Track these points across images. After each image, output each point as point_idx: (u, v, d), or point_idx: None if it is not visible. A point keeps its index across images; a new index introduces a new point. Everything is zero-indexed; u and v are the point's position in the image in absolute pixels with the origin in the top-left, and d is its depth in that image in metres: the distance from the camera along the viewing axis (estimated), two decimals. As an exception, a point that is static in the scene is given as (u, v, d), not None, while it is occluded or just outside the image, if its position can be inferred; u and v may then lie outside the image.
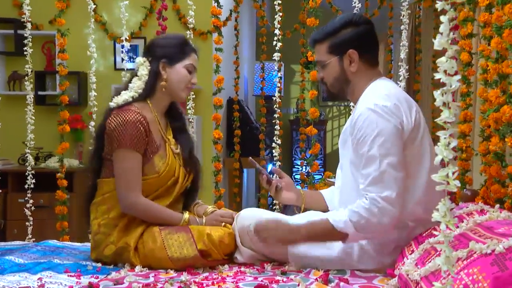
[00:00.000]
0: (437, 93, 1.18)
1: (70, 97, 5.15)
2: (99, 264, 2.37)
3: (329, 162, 8.77)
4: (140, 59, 2.48)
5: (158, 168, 2.40)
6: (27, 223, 3.33)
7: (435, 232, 1.97)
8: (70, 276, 2.16)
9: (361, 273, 2.16)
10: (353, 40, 2.25)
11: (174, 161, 2.47)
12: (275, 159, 3.25)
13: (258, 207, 5.40)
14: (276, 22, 3.14)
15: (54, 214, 4.37)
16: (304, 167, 8.44)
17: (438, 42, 1.17)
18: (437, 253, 1.76)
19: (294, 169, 8.76)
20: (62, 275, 2.18)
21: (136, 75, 2.47)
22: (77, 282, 2.09)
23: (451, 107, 1.18)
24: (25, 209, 3.31)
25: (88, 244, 2.78)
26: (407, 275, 1.82)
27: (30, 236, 3.30)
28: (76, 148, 5.11)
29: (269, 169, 6.24)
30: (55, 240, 2.85)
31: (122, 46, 5.10)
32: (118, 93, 2.47)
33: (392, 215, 2.06)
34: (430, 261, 1.72)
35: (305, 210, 2.54)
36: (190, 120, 3.43)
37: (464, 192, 2.64)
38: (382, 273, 2.18)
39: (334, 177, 3.71)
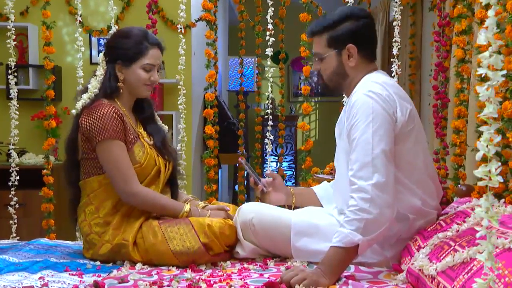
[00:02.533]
0: (481, 89, 1.18)
1: (44, 92, 5.06)
2: (98, 263, 2.33)
3: (300, 158, 8.77)
4: (101, 56, 2.45)
5: (139, 158, 2.38)
6: (10, 221, 3.23)
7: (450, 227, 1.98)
8: (72, 274, 2.12)
9: (365, 268, 2.16)
10: (352, 34, 2.22)
11: (151, 151, 2.44)
12: (267, 155, 3.24)
13: (237, 203, 5.38)
14: (268, 17, 3.11)
15: (29, 212, 4.28)
16: (278, 163, 8.46)
17: (484, 37, 1.16)
18: (452, 248, 1.77)
19: (265, 165, 8.74)
20: (63, 274, 2.13)
21: (95, 75, 2.44)
22: (80, 281, 2.05)
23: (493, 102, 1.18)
24: (9, 207, 3.21)
25: (80, 243, 2.73)
26: (420, 270, 1.82)
27: (14, 235, 3.20)
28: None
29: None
30: (46, 239, 2.78)
31: (98, 40, 5.03)
32: (79, 97, 2.44)
33: (386, 203, 1.99)
34: (447, 256, 1.72)
35: (296, 208, 2.53)
36: (181, 116, 3.38)
37: (459, 187, 2.66)
38: (385, 266, 2.19)
39: (322, 173, 3.74)
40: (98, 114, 2.31)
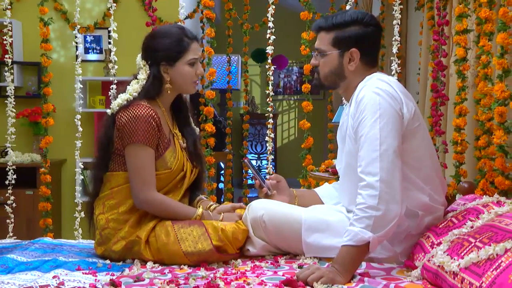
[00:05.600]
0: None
1: (29, 89, 4.99)
2: (108, 261, 2.31)
3: (280, 156, 8.80)
4: (140, 61, 2.42)
5: (170, 163, 2.38)
6: (7, 221, 3.18)
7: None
8: (85, 273, 2.10)
9: (376, 265, 2.18)
10: (359, 39, 2.24)
11: (182, 156, 2.44)
12: (268, 153, 3.24)
13: (221, 202, 5.38)
14: (269, 15, 3.11)
15: (16, 212, 4.21)
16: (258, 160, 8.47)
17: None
18: (473, 244, 1.79)
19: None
20: (76, 272, 2.11)
21: (136, 78, 2.42)
22: (95, 279, 2.03)
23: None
24: (6, 206, 3.16)
25: (83, 241, 2.72)
26: (439, 266, 1.84)
27: (11, 234, 3.15)
28: (36, 142, 4.91)
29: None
30: (49, 238, 2.75)
31: (85, 37, 4.97)
32: (116, 97, 2.42)
33: (393, 199, 2.01)
34: (469, 253, 1.74)
35: None
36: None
37: (461, 185, 2.70)
38: (394, 262, 2.21)
39: (318, 171, 3.76)
40: (133, 114, 2.30)
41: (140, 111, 2.30)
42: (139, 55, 2.43)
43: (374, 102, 2.11)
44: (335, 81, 2.31)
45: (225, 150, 5.32)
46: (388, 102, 2.11)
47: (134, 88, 2.38)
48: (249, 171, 2.54)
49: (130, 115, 2.30)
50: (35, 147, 4.89)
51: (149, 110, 2.31)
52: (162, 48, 2.39)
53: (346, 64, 2.26)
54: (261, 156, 8.75)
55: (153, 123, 2.31)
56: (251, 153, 8.72)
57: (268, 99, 3.18)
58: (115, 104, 2.37)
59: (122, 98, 2.37)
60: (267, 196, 2.51)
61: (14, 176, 3.20)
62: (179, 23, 2.47)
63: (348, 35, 2.25)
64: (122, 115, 2.33)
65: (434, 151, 2.37)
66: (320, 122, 8.14)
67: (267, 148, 3.26)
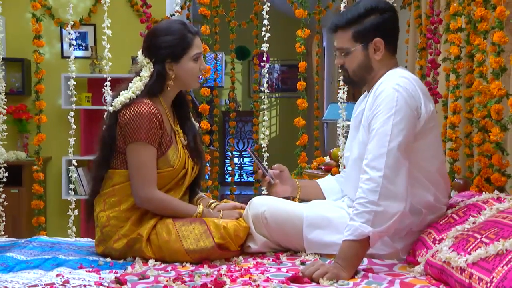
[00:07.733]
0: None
1: (13, 86, 4.93)
2: (108, 259, 2.29)
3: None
4: (143, 58, 2.39)
5: (173, 162, 2.37)
6: (-2, 219, 3.15)
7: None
8: (88, 271, 2.09)
9: (377, 261, 2.19)
10: (379, 28, 2.22)
11: (184, 154, 2.43)
12: (263, 149, 3.24)
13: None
14: (264, 13, 3.10)
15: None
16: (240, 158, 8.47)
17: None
18: (479, 240, 1.80)
19: (226, 160, 8.75)
20: (79, 271, 2.10)
21: (138, 75, 2.39)
22: (99, 277, 2.01)
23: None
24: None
25: (80, 240, 2.70)
26: (445, 262, 1.85)
27: (2, 233, 3.11)
28: (20, 139, 4.85)
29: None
30: (45, 236, 2.72)
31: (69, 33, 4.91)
32: (117, 94, 2.38)
33: (394, 196, 2.03)
34: (476, 248, 1.76)
35: (302, 201, 2.55)
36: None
37: (456, 181, 2.74)
38: (395, 258, 2.23)
39: (310, 168, 3.77)
40: (135, 112, 2.28)
41: (143, 108, 2.29)
42: (140, 52, 2.41)
43: (392, 98, 2.11)
44: (363, 75, 2.29)
45: (211, 147, 5.31)
46: (405, 99, 2.11)
47: (137, 86, 2.35)
48: (254, 160, 2.52)
49: (133, 112, 2.28)
50: (19, 145, 4.84)
51: (151, 108, 2.30)
52: (166, 46, 2.36)
53: (372, 55, 2.25)
54: (243, 153, 8.76)
55: (156, 121, 2.30)
56: (236, 151, 8.73)
57: (263, 96, 3.17)
58: (117, 102, 2.34)
59: (125, 96, 2.34)
60: (270, 184, 2.51)
61: (6, 174, 3.15)
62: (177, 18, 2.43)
63: (367, 27, 2.22)
64: (124, 112, 2.31)
65: (442, 152, 2.39)
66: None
67: (262, 145, 3.25)
